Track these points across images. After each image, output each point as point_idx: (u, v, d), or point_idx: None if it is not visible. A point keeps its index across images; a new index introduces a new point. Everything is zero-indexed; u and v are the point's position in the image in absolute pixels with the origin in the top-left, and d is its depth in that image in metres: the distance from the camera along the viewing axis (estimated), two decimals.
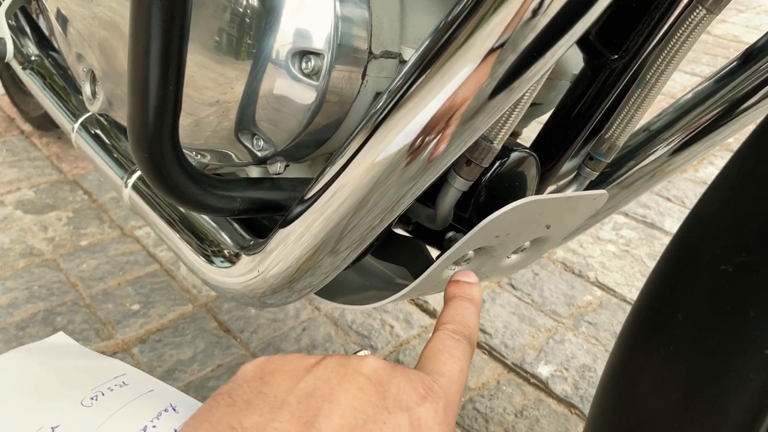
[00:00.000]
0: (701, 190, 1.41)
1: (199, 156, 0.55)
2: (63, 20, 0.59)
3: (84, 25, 0.56)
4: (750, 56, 0.64)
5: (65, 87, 0.79)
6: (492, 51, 0.36)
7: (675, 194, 1.40)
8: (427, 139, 0.40)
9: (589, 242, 1.22)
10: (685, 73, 2.19)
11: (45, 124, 1.40)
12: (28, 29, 0.85)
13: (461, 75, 0.37)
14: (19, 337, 0.91)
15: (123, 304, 0.98)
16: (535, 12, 0.34)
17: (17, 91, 1.46)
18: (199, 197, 0.44)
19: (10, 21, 0.83)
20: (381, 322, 0.98)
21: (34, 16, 0.87)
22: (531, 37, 0.35)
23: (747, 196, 0.27)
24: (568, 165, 0.72)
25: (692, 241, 0.29)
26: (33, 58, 0.83)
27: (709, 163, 1.52)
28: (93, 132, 0.71)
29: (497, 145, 0.47)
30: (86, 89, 0.60)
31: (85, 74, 0.60)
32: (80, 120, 0.72)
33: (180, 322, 0.95)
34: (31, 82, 0.82)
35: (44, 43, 0.84)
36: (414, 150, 0.41)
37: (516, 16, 0.34)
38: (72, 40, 0.59)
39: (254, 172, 0.57)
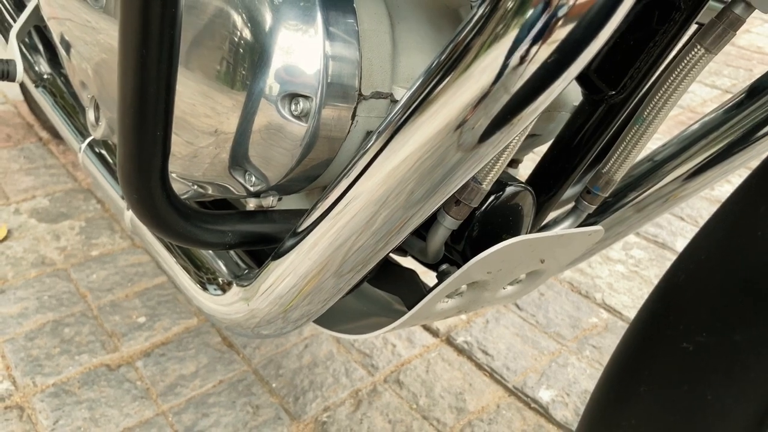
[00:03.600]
0: (715, 209, 1.39)
1: (197, 187, 0.56)
2: (67, 47, 0.61)
3: (86, 53, 0.58)
4: (756, 89, 0.63)
5: (75, 106, 0.80)
6: (483, 95, 0.36)
7: (689, 213, 1.38)
8: (412, 183, 0.41)
9: (598, 262, 1.20)
10: (705, 86, 2.16)
11: None
12: (41, 47, 0.87)
13: (450, 117, 0.37)
14: (28, 348, 0.93)
15: (130, 317, 1.00)
16: (523, 58, 0.34)
17: None
18: (189, 233, 0.45)
19: (24, 40, 0.84)
20: (383, 340, 0.99)
21: (49, 35, 0.89)
22: (522, 81, 0.35)
23: (711, 273, 0.27)
24: (572, 191, 0.71)
25: (660, 312, 0.29)
26: (45, 76, 0.85)
27: (726, 181, 1.50)
28: (99, 152, 0.73)
29: (486, 186, 0.47)
30: (90, 116, 0.61)
31: (89, 101, 0.61)
32: (87, 140, 0.74)
33: (184, 336, 0.97)
34: (42, 99, 0.84)
35: (56, 61, 0.86)
36: (405, 189, 0.41)
37: (506, 60, 0.34)
38: (75, 66, 0.60)
39: (251, 202, 0.58)
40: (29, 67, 0.85)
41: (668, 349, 0.27)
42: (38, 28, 0.87)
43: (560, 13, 0.32)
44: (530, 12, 0.32)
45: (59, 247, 1.14)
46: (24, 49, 0.84)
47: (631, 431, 0.28)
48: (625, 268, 1.19)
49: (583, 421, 0.35)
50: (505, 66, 0.34)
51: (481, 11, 0.34)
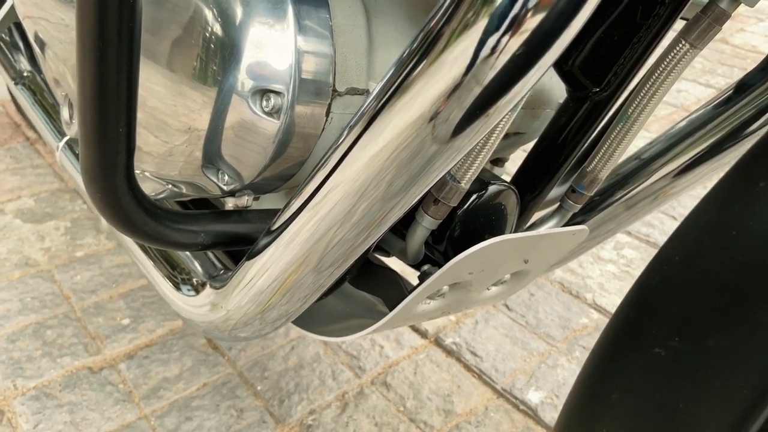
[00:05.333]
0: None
1: (171, 186, 0.55)
2: (41, 44, 0.59)
3: (60, 51, 0.56)
4: (744, 86, 0.62)
5: (54, 105, 0.79)
6: (455, 86, 0.34)
7: (681, 213, 1.37)
8: (390, 175, 0.39)
9: (589, 262, 1.19)
10: (699, 85, 2.15)
11: None
12: (21, 45, 0.85)
13: (423, 109, 0.36)
14: (9, 350, 0.91)
15: (113, 318, 0.98)
16: (494, 49, 0.33)
17: None
18: (158, 233, 0.44)
19: (4, 38, 0.83)
20: (371, 341, 0.97)
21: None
22: (493, 72, 0.34)
23: (684, 275, 0.26)
24: (558, 190, 0.70)
25: (632, 316, 0.28)
26: (25, 73, 0.84)
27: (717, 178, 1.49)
28: (77, 152, 0.71)
29: (465, 185, 0.46)
30: (63, 113, 0.59)
31: (62, 99, 0.60)
32: (65, 139, 0.72)
33: (169, 338, 0.95)
34: (21, 97, 0.82)
35: (36, 59, 0.85)
36: (382, 181, 0.40)
37: (477, 51, 0.33)
38: (49, 64, 0.59)
39: (229, 201, 0.57)
40: (9, 64, 0.84)
41: (640, 354, 0.26)
42: (18, 25, 0.86)
43: (531, 2, 0.31)
44: (498, 2, 0.31)
45: (43, 248, 1.12)
46: (3, 47, 0.83)
47: None
48: (616, 268, 1.18)
49: (558, 427, 0.34)
50: (475, 56, 0.33)
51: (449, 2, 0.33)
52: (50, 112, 0.78)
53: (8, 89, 1.55)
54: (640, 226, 1.30)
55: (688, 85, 2.11)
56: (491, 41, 0.31)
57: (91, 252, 1.12)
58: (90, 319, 0.98)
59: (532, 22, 0.30)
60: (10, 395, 0.85)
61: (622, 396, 0.26)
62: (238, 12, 0.41)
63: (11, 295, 1.01)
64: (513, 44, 0.31)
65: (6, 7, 0.78)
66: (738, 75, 2.26)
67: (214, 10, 0.41)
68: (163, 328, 0.97)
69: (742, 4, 0.47)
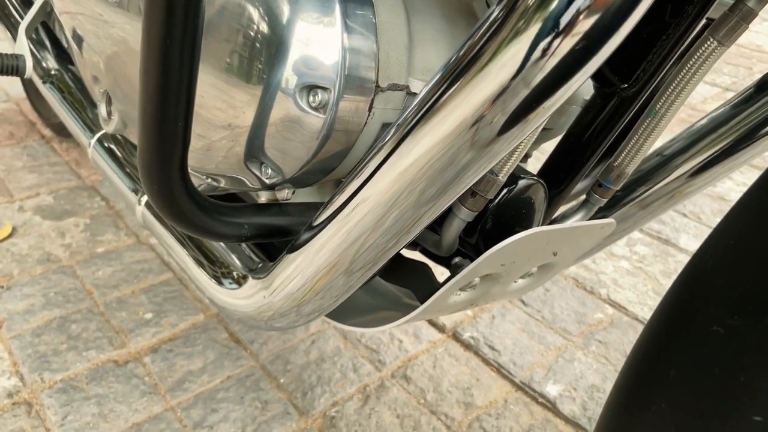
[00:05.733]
0: (718, 205, 1.39)
1: (210, 180, 0.56)
2: (78, 40, 0.61)
3: (99, 47, 0.58)
4: (765, 85, 0.63)
5: (83, 101, 0.80)
6: (502, 90, 0.35)
7: (691, 210, 1.38)
8: (433, 176, 0.41)
9: (602, 258, 1.21)
10: (705, 84, 2.16)
11: (65, 129, 1.42)
12: (48, 43, 0.86)
13: (468, 113, 0.37)
14: (35, 344, 0.93)
15: (136, 313, 1.00)
16: (545, 51, 0.34)
17: (38, 96, 1.49)
18: (207, 225, 0.45)
19: (32, 36, 0.84)
20: (390, 336, 0.99)
21: (55, 30, 0.89)
22: (542, 74, 0.35)
23: (740, 257, 0.27)
24: (581, 185, 0.71)
25: (686, 297, 0.29)
26: (53, 72, 0.85)
27: (727, 178, 1.50)
28: (108, 147, 0.73)
29: (502, 177, 0.47)
30: (102, 110, 0.61)
31: (101, 95, 0.61)
32: (97, 135, 0.74)
33: (192, 332, 0.97)
34: (50, 95, 0.84)
35: (64, 57, 0.86)
36: (423, 183, 0.41)
37: (527, 54, 0.34)
38: (88, 61, 0.60)
39: (264, 195, 0.58)
40: (37, 63, 0.85)
41: (698, 333, 0.27)
42: (45, 24, 0.87)
43: (583, 6, 0.32)
44: (553, 5, 0.33)
45: (64, 244, 1.14)
46: (32, 45, 0.84)
47: (660, 417, 0.28)
48: (629, 264, 1.19)
49: (610, 409, 0.35)
50: (526, 59, 0.34)
51: (502, 4, 0.34)
52: (79, 109, 0.80)
53: (23, 88, 1.56)
54: (652, 223, 1.32)
55: None
56: (543, 44, 0.32)
57: (111, 248, 1.13)
58: (113, 313, 0.99)
59: (584, 25, 0.31)
60: (37, 388, 0.86)
61: (681, 373, 0.28)
62: (287, 10, 0.42)
63: (35, 291, 1.03)
64: (564, 47, 0.32)
65: (36, 6, 0.79)
66: (743, 74, 2.27)
67: (263, 8, 0.43)
68: (185, 322, 0.98)
69: None
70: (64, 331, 0.96)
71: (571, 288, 1.12)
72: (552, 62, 0.34)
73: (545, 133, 0.66)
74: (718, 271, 0.28)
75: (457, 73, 0.36)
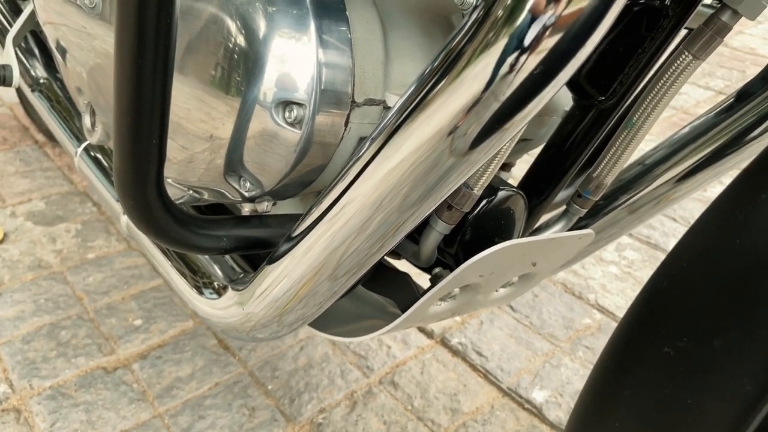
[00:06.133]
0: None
1: (193, 192, 0.57)
2: (63, 52, 0.61)
3: (82, 58, 0.58)
4: (745, 93, 0.64)
5: (70, 110, 0.81)
6: (474, 102, 0.36)
7: (681, 214, 1.39)
8: (407, 187, 0.41)
9: (591, 263, 1.21)
10: (699, 87, 2.17)
11: None
12: (37, 52, 0.87)
13: (442, 124, 0.38)
14: (25, 351, 0.93)
15: (126, 319, 1.00)
16: (512, 67, 0.35)
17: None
18: (185, 239, 0.46)
19: (21, 45, 0.85)
20: (378, 342, 0.99)
21: (44, 39, 0.89)
22: (511, 89, 0.35)
23: (693, 278, 0.28)
24: (564, 194, 0.72)
25: (642, 317, 0.30)
26: (41, 80, 0.86)
27: (718, 182, 1.51)
28: (95, 157, 0.73)
29: (477, 191, 0.48)
30: (86, 121, 0.61)
31: (84, 106, 0.61)
32: (83, 145, 0.74)
33: (181, 338, 0.97)
34: (39, 104, 0.84)
35: (52, 66, 0.86)
36: (398, 194, 0.42)
37: (496, 69, 0.35)
38: (71, 72, 0.61)
39: (245, 207, 0.59)
40: (25, 71, 0.85)
41: (651, 353, 0.28)
42: (34, 32, 0.87)
43: (548, 22, 0.33)
44: (519, 21, 0.33)
45: (55, 250, 1.14)
46: (20, 54, 0.85)
47: None
48: (618, 269, 1.20)
49: (571, 422, 0.36)
50: (495, 74, 0.35)
51: (472, 19, 0.35)
52: (67, 118, 0.80)
53: (17, 94, 1.57)
54: (641, 228, 1.32)
55: (688, 88, 2.13)
56: (510, 60, 0.33)
57: (102, 254, 1.14)
58: (103, 320, 1.00)
59: (549, 42, 0.32)
60: (26, 395, 0.87)
61: (634, 392, 0.28)
62: (262, 26, 0.43)
63: (25, 297, 1.03)
64: (531, 63, 0.33)
65: (24, 15, 0.79)
66: (736, 77, 2.28)
67: (239, 23, 0.43)
68: (174, 328, 0.99)
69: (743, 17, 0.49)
70: (53, 337, 0.96)
71: (559, 293, 1.12)
72: (520, 77, 0.35)
73: (525, 144, 0.67)
74: (672, 291, 0.28)
75: (428, 87, 0.37)
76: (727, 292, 0.25)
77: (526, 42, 0.33)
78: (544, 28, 0.33)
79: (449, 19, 0.53)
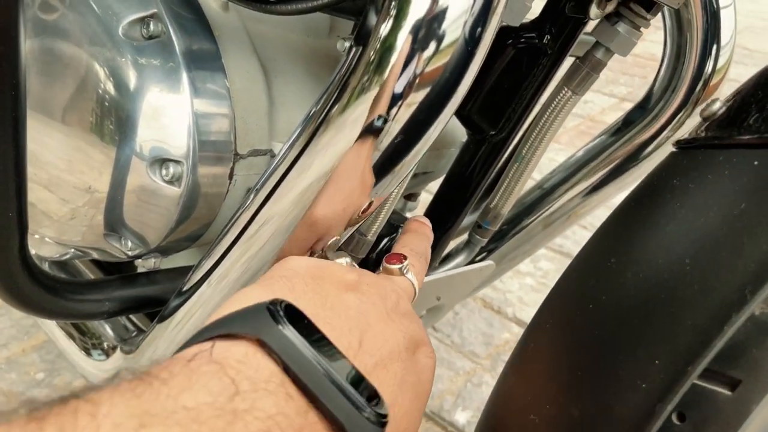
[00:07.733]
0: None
1: (78, 253, 0.53)
2: None
3: None
4: (627, 121, 0.67)
5: None
6: (352, 147, 0.36)
7: (591, 222, 1.44)
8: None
9: (509, 276, 1.24)
10: (603, 95, 2.27)
11: None
12: None
13: (323, 172, 0.37)
14: None
15: (27, 373, 0.94)
16: (386, 119, 0.34)
17: None
18: (59, 307, 0.43)
19: None
20: None
21: None
22: (389, 137, 0.35)
23: (555, 343, 0.28)
24: (468, 219, 0.73)
25: (512, 382, 0.30)
26: None
27: (628, 190, 1.58)
28: None
29: (372, 237, 0.48)
30: None
31: None
32: None
33: None
34: None
35: None
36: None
37: (368, 118, 0.34)
38: None
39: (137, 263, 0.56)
40: None
41: (519, 420, 0.28)
42: None
43: (418, 71, 0.33)
44: (387, 73, 0.33)
45: None
46: None
47: None
48: (534, 281, 1.23)
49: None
50: (369, 124, 0.34)
51: (347, 64, 0.34)
52: None
53: None
54: (555, 239, 1.37)
55: (593, 96, 2.23)
56: (381, 110, 0.33)
57: (1, 303, 1.06)
58: (2, 375, 0.93)
59: (417, 96, 0.32)
60: None
61: None
62: (132, 79, 0.41)
63: None
64: (403, 114, 0.33)
65: None
66: (639, 84, 2.41)
67: (109, 74, 0.41)
68: (80, 380, 0.93)
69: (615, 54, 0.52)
70: None
71: (479, 309, 1.14)
72: (395, 128, 0.35)
73: (426, 176, 0.67)
74: (536, 356, 0.29)
75: (309, 134, 0.36)
76: (584, 358, 0.26)
77: (398, 91, 0.33)
78: (412, 81, 0.33)
79: (338, 60, 0.52)
